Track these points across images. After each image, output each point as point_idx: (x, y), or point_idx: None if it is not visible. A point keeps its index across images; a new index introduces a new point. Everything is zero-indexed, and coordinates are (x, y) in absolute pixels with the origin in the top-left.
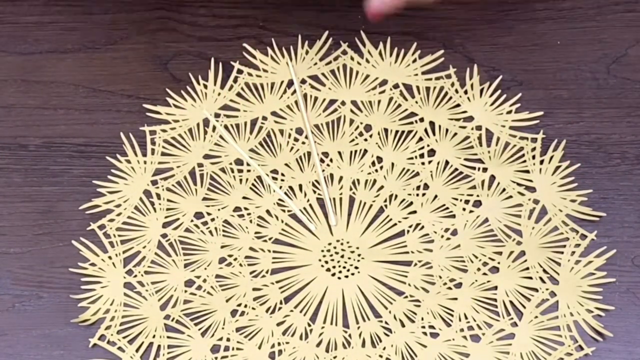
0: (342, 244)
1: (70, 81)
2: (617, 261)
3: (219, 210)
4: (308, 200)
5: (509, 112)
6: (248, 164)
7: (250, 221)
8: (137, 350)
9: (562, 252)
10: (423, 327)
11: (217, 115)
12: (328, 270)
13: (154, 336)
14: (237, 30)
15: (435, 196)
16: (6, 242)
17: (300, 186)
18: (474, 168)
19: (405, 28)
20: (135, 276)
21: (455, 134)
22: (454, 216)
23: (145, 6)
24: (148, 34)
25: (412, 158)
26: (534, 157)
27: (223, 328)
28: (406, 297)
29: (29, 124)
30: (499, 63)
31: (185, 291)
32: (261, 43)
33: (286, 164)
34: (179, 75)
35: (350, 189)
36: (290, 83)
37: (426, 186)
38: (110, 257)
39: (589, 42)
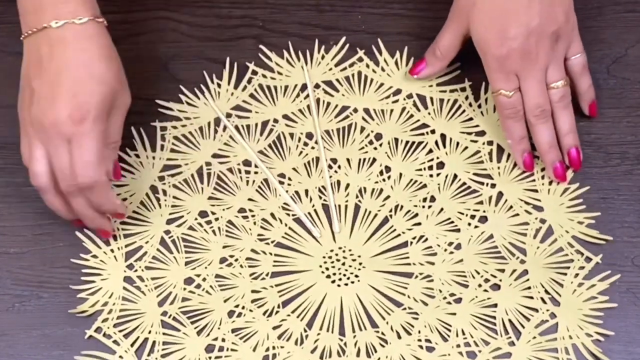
0: (344, 251)
1: None
2: (617, 261)
3: (223, 210)
4: (313, 206)
5: None
6: (256, 166)
7: (254, 223)
8: (132, 345)
9: (565, 274)
10: (419, 340)
11: (228, 115)
12: (328, 277)
13: (149, 332)
14: (237, 30)
15: (441, 209)
16: (6, 242)
17: (307, 191)
18: (482, 183)
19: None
20: (136, 271)
21: (466, 147)
22: (458, 230)
23: (146, 6)
24: (148, 34)
25: (420, 169)
26: (543, 176)
27: (219, 328)
28: (404, 308)
29: None
30: None
31: (184, 289)
32: (261, 43)
33: (294, 168)
34: (179, 75)
35: (356, 197)
36: (304, 87)
37: (433, 198)
38: (112, 250)
39: (589, 42)
